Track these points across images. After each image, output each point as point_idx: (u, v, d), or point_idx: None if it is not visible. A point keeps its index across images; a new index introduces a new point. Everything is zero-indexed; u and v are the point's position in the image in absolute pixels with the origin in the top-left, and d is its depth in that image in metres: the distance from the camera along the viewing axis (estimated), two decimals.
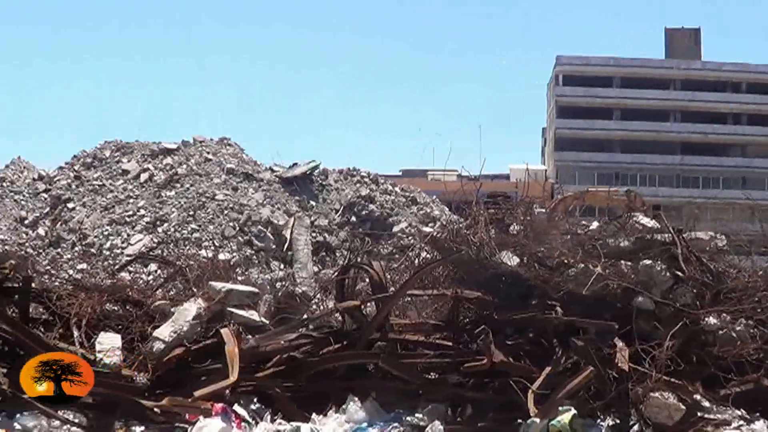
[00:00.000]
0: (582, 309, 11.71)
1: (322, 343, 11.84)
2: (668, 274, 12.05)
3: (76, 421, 10.96)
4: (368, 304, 12.45)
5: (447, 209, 30.35)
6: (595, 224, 13.86)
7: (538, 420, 10.31)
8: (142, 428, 10.79)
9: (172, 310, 12.26)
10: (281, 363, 11.61)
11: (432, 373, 11.92)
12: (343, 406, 11.04)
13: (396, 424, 10.72)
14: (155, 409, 10.70)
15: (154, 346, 11.62)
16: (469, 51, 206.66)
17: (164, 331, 11.70)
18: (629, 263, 12.26)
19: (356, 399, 11.07)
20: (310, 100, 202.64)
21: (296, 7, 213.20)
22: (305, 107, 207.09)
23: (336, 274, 13.68)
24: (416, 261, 13.98)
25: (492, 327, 11.35)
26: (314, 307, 13.38)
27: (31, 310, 13.06)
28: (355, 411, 10.93)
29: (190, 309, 11.92)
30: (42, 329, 12.45)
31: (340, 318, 12.25)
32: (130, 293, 13.43)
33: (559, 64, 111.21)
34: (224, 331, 11.48)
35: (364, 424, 10.77)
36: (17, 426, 10.86)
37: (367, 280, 12.89)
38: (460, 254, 12.23)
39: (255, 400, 11.17)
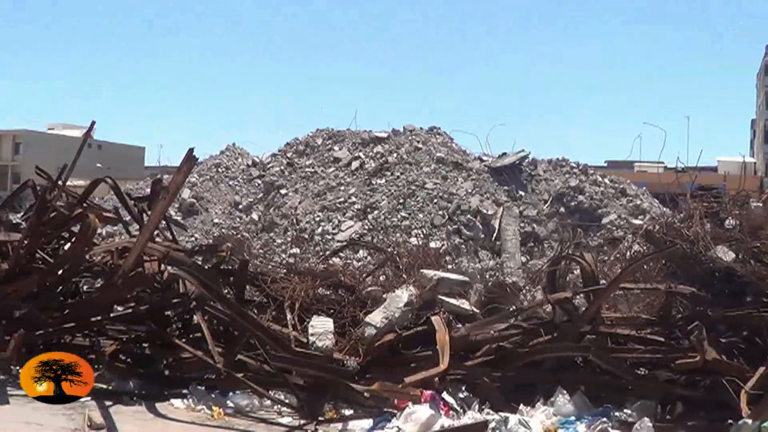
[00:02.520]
0: None
1: (531, 334, 11.75)
2: None
3: (287, 401, 11.21)
4: (578, 296, 12.35)
5: (656, 201, 29.81)
6: None
7: (750, 421, 9.94)
8: (351, 411, 10.93)
9: (384, 296, 12.41)
10: (490, 353, 11.56)
11: (642, 369, 11.70)
12: (551, 399, 10.89)
13: (604, 419, 10.54)
14: (365, 394, 10.81)
15: (366, 331, 11.77)
16: (677, 43, 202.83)
17: (376, 317, 11.84)
18: None
19: (565, 392, 10.90)
20: (517, 89, 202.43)
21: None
22: (512, 95, 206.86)
23: (547, 264, 13.58)
24: (627, 254, 13.78)
25: (705, 323, 11.04)
26: (523, 297, 13.32)
27: (246, 292, 13.44)
28: (563, 404, 10.80)
29: (402, 296, 12.02)
30: (255, 311, 12.77)
31: (550, 309, 12.18)
32: (342, 278, 13.64)
33: None
34: (435, 319, 11.52)
35: (572, 418, 10.62)
36: (230, 404, 11.17)
37: (576, 272, 12.77)
38: (674, 248, 11.97)
39: (463, 388, 11.14)
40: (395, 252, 15.05)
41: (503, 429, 10.00)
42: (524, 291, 13.68)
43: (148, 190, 18.17)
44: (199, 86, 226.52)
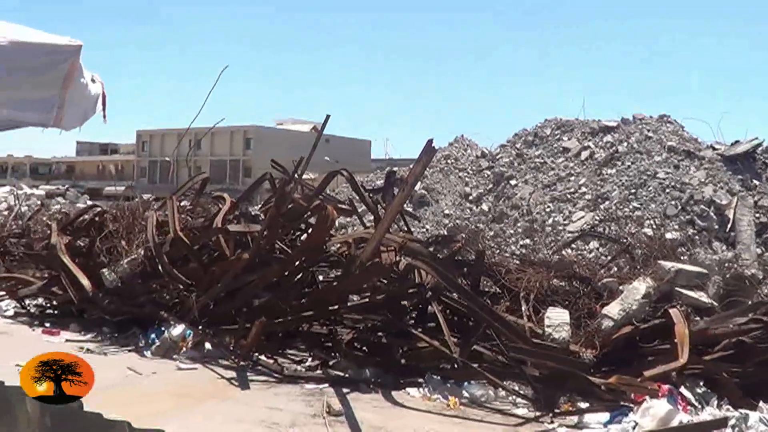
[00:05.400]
0: None
1: None
2: None
3: (522, 392, 11.21)
4: None
5: None
6: None
7: None
8: (587, 404, 10.82)
9: (620, 288, 12.28)
10: (730, 347, 11.22)
11: None
12: None
13: None
14: (602, 387, 10.66)
15: (603, 323, 11.66)
16: None
17: (613, 309, 11.70)
18: None
19: None
20: (745, 74, 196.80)
21: None
22: (742, 82, 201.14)
23: None
24: None
25: None
26: (761, 290, 12.98)
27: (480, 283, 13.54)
28: None
29: (639, 288, 11.85)
30: (489, 302, 12.80)
31: None
32: (576, 269, 13.57)
33: None
34: (674, 312, 11.24)
35: None
36: (465, 394, 11.21)
37: None
38: None
39: (701, 383, 10.85)
40: (631, 243, 14.87)
41: (743, 426, 9.76)
42: (762, 283, 13.33)
43: (377, 182, 18.53)
44: (424, 79, 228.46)
